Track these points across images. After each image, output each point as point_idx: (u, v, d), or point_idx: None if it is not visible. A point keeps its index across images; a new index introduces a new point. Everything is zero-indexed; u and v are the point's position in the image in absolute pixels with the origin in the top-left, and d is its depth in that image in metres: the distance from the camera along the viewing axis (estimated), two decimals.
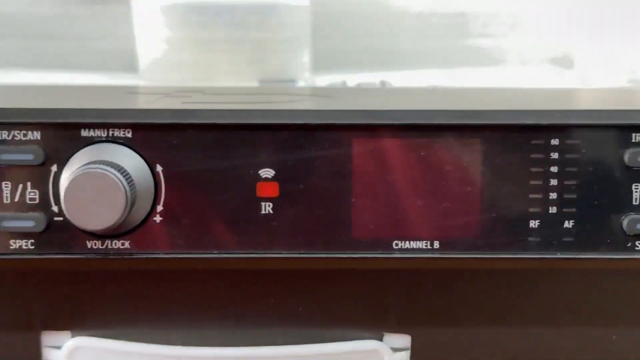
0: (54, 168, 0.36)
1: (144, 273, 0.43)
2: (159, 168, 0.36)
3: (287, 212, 0.36)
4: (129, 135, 0.36)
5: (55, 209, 0.36)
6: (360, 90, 0.54)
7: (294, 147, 0.36)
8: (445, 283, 0.42)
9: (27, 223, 0.36)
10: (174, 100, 0.45)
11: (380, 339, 0.43)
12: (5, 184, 0.36)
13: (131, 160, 0.36)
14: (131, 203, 0.34)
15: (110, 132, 0.36)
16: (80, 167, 0.34)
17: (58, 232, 0.36)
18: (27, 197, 0.36)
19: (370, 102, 0.46)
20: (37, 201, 0.36)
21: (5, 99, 0.49)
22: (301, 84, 0.73)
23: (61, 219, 0.36)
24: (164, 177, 0.36)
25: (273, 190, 0.36)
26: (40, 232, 0.36)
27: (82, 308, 0.43)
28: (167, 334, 0.43)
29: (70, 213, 0.34)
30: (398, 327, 0.43)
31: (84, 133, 0.36)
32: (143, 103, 0.42)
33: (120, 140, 0.36)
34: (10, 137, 0.36)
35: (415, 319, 0.43)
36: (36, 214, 0.36)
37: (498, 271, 0.40)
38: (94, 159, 0.35)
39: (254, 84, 0.73)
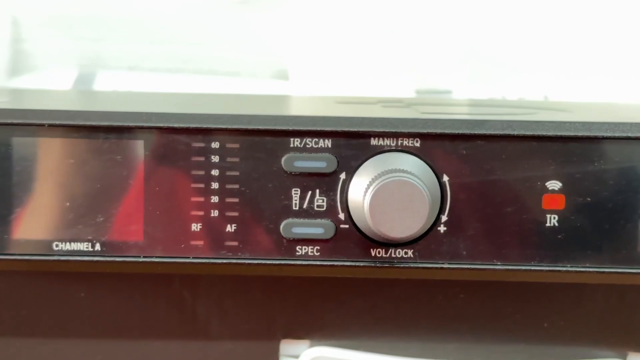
0: (343, 176, 0.36)
1: (387, 282, 0.43)
2: (445, 178, 0.36)
3: (574, 225, 0.36)
4: (417, 144, 0.36)
5: (341, 216, 0.36)
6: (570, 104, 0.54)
7: (582, 159, 0.36)
8: None
9: (317, 230, 0.36)
10: (405, 111, 0.45)
11: (624, 359, 0.42)
12: (295, 190, 0.36)
13: (419, 170, 0.36)
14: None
15: (399, 142, 0.36)
16: (380, 175, 0.34)
17: (344, 239, 0.36)
18: (315, 204, 0.36)
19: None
20: (324, 208, 0.36)
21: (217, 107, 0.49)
22: (456, 95, 0.73)
23: (347, 226, 0.36)
24: (450, 187, 0.36)
25: (559, 202, 0.36)
26: (327, 240, 0.36)
27: (322, 317, 0.43)
28: (407, 347, 0.43)
29: (374, 221, 0.34)
30: None
31: (374, 142, 0.36)
32: (382, 112, 0.43)
33: (409, 150, 0.36)
34: (302, 145, 0.36)
35: None
36: (325, 221, 0.36)
37: None
38: (386, 168, 0.35)
39: (410, 94, 0.73)
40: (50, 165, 0.36)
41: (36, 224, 0.36)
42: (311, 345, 0.43)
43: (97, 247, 0.36)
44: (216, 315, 0.43)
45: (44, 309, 0.43)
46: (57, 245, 0.36)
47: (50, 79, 0.73)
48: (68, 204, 0.36)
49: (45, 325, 0.43)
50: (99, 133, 0.36)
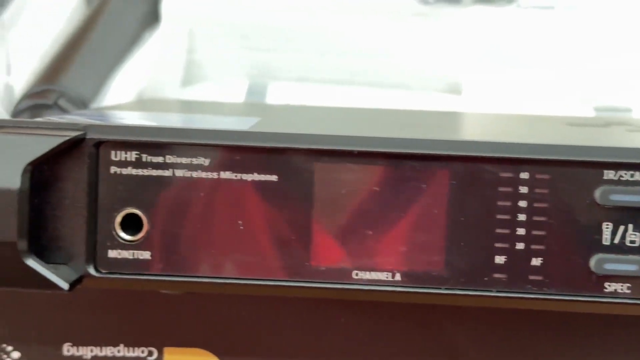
0: None
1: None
2: None
3: None
4: None
5: None
6: None
7: None
8: None
9: (631, 267, 0.34)
10: None
11: None
12: (607, 224, 0.35)
13: None
14: None
15: None
16: None
17: None
18: (628, 239, 0.35)
19: None
20: (637, 244, 0.35)
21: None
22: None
23: None
24: None
25: None
26: (639, 277, 0.35)
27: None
28: None
29: None
30: None
31: None
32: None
33: None
34: (617, 177, 0.34)
35: None
36: (638, 258, 0.35)
37: None
38: None
39: (588, 112, 0.71)
40: (352, 192, 0.35)
41: (336, 251, 0.35)
42: None
43: (397, 277, 0.35)
44: (473, 346, 0.42)
45: (304, 334, 0.42)
46: (356, 274, 0.35)
47: (219, 90, 0.73)
48: (370, 232, 0.35)
49: (307, 349, 0.42)
50: (405, 160, 0.35)
